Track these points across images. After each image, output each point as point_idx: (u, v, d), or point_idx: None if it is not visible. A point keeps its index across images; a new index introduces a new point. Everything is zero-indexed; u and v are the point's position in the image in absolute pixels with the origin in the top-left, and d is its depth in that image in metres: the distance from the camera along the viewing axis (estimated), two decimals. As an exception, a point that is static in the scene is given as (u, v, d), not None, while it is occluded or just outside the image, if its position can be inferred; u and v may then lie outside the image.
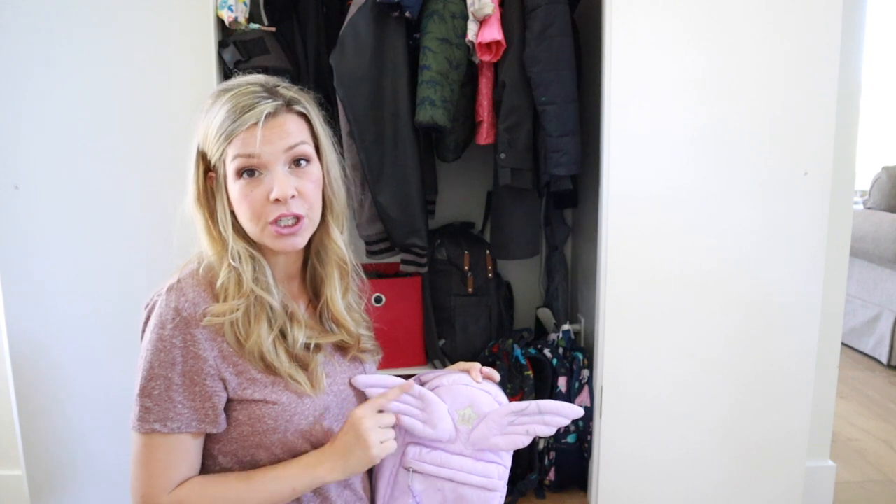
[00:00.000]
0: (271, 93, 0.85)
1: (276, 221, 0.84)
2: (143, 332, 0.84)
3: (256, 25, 1.56)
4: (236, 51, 1.51)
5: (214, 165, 0.85)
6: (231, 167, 0.83)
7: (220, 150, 0.83)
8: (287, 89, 0.87)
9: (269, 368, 0.84)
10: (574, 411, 0.90)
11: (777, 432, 1.64)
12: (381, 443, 0.85)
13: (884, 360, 3.04)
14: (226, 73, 1.55)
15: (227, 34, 1.55)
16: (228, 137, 0.82)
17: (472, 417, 0.91)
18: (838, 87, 1.54)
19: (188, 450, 0.83)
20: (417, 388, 0.91)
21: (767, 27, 1.52)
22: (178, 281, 0.83)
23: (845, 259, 1.80)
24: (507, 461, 0.95)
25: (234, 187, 0.84)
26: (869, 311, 3.16)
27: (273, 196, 0.82)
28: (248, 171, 0.83)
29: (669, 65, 1.53)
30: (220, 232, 0.86)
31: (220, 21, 1.51)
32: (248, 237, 0.87)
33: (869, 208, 3.36)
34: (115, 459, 1.58)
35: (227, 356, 0.83)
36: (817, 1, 1.51)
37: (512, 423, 0.90)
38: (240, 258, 0.85)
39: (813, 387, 1.63)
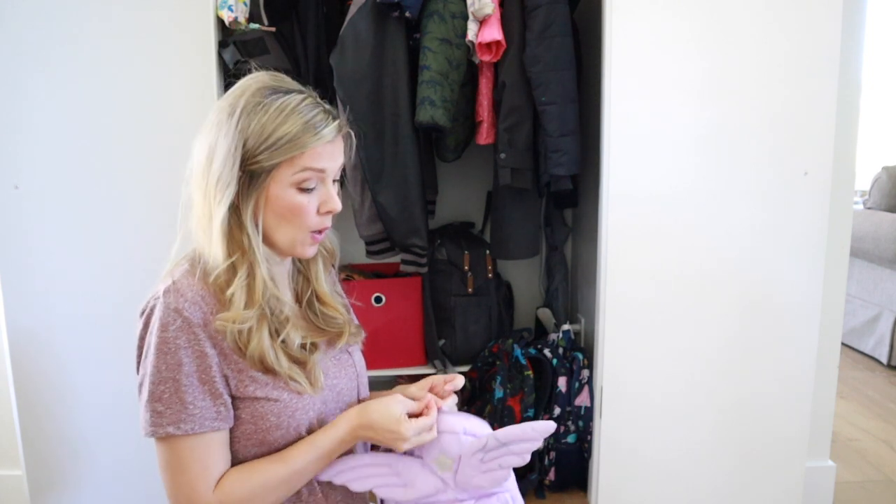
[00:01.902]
0: (326, 111, 0.87)
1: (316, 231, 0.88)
2: (142, 337, 0.83)
3: (256, 25, 1.56)
4: (236, 51, 1.51)
5: (253, 169, 0.82)
6: (292, 178, 0.83)
7: (280, 158, 0.82)
8: (331, 108, 0.89)
9: (269, 370, 0.84)
10: (538, 430, 0.84)
11: (777, 432, 1.64)
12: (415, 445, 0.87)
13: (884, 360, 3.04)
14: (226, 72, 1.55)
15: (227, 34, 1.55)
16: (301, 148, 0.82)
17: (448, 463, 0.88)
18: (838, 87, 1.54)
19: (215, 447, 0.82)
20: (383, 456, 0.89)
21: (767, 27, 1.52)
22: (174, 282, 0.82)
23: (845, 259, 1.80)
24: (511, 483, 0.92)
25: (286, 195, 0.84)
26: (869, 311, 3.16)
27: (328, 209, 0.87)
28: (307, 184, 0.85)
29: (669, 65, 1.53)
30: (243, 236, 0.84)
31: (220, 21, 1.51)
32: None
33: (869, 208, 3.36)
34: (115, 459, 1.58)
35: (227, 355, 0.83)
36: (817, 1, 1.51)
37: (482, 460, 0.86)
38: (265, 264, 0.85)
39: (813, 387, 1.63)
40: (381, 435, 0.85)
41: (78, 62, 1.48)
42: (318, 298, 0.97)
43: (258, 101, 0.83)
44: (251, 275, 0.84)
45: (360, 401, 1.00)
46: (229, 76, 1.57)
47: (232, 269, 0.83)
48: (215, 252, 0.83)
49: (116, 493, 1.59)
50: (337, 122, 0.86)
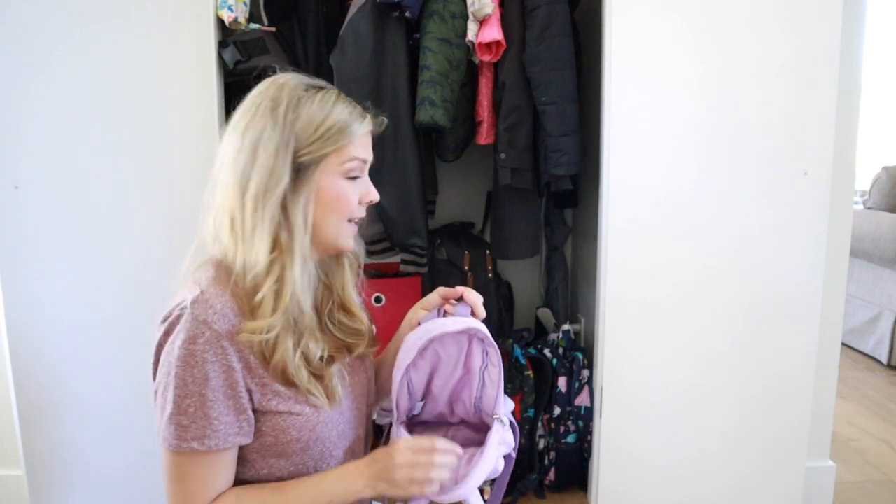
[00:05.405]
0: (358, 104, 0.90)
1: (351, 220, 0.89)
2: (161, 345, 0.80)
3: (256, 25, 1.56)
4: (236, 51, 1.51)
5: (303, 161, 0.82)
6: (340, 167, 0.85)
7: (331, 147, 0.83)
8: None
9: (289, 383, 0.83)
10: None
11: (777, 432, 1.64)
12: (416, 482, 0.80)
13: (884, 360, 3.04)
14: (226, 72, 1.55)
15: (227, 34, 1.55)
16: (350, 136, 0.85)
17: None
18: (838, 87, 1.54)
19: (225, 464, 0.81)
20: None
21: (767, 27, 1.52)
22: (202, 292, 0.79)
23: (845, 259, 1.79)
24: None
25: (336, 184, 0.85)
26: (869, 311, 3.16)
27: (370, 199, 0.90)
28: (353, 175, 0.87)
29: (669, 65, 1.53)
30: (282, 232, 0.82)
31: (220, 21, 1.51)
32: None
33: (869, 208, 3.36)
34: (115, 459, 1.58)
35: (252, 368, 0.81)
36: (817, 1, 1.51)
37: None
38: (300, 263, 0.83)
39: (813, 387, 1.63)
40: (381, 477, 0.81)
41: (78, 62, 1.48)
42: (343, 307, 0.95)
43: (300, 94, 0.84)
44: (281, 278, 0.82)
45: (369, 407, 1.00)
46: (229, 76, 1.57)
47: (264, 272, 0.81)
48: (258, 252, 0.80)
49: (116, 493, 1.59)
50: (370, 113, 0.90)
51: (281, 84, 0.85)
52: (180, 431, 0.77)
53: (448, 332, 0.88)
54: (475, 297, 0.94)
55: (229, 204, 0.82)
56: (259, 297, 0.80)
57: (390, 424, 0.95)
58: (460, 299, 0.95)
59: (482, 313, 0.94)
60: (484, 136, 1.73)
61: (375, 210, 1.70)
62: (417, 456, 0.80)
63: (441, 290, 0.97)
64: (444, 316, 0.95)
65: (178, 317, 0.79)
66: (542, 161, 1.70)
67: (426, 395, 0.95)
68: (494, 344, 0.92)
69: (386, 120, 0.93)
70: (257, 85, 0.88)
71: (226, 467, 0.82)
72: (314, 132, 0.83)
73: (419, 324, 0.96)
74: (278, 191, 0.81)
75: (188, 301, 0.78)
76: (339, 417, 0.88)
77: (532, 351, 1.91)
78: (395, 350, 1.02)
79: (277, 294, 0.81)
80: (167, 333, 0.79)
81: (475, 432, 0.99)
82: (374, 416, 1.00)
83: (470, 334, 0.91)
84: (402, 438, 0.85)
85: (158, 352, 0.81)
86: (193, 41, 1.49)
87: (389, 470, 0.80)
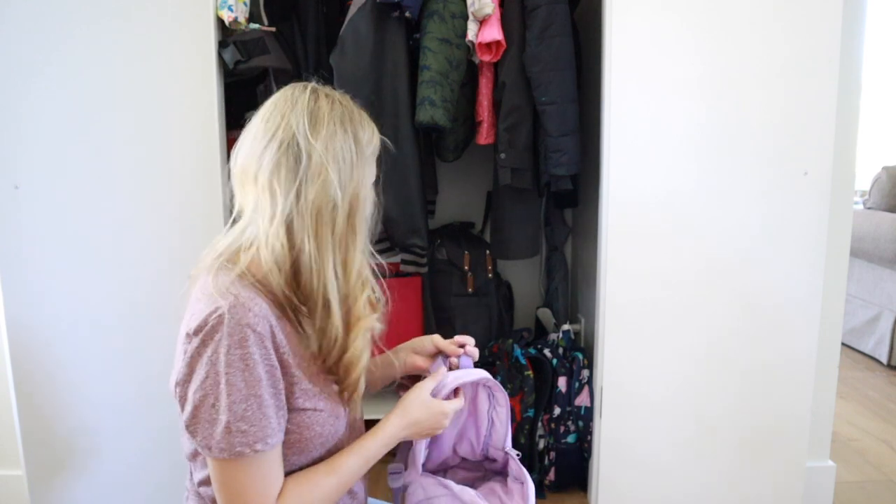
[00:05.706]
0: None
1: None
2: (196, 356, 0.77)
3: (256, 25, 1.56)
4: (236, 51, 1.51)
5: None
6: (374, 176, 0.94)
7: (374, 160, 0.92)
8: None
9: (347, 380, 0.88)
10: None
11: (777, 432, 1.64)
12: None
13: (884, 360, 3.04)
14: (226, 72, 1.55)
15: (227, 34, 1.55)
16: (378, 151, 0.93)
17: None
18: (838, 87, 1.54)
19: (279, 456, 0.82)
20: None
21: (767, 27, 1.52)
22: (236, 297, 0.78)
23: (845, 259, 1.79)
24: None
25: (371, 194, 0.94)
26: (869, 311, 3.16)
27: None
28: None
29: (669, 65, 1.53)
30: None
31: (220, 21, 1.51)
32: None
33: (869, 208, 3.36)
34: (115, 459, 1.58)
35: (286, 367, 0.82)
36: (817, 1, 1.51)
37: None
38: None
39: (813, 387, 1.63)
40: (427, 425, 0.94)
41: (78, 62, 1.48)
42: None
43: (358, 108, 0.90)
44: (367, 279, 0.91)
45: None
46: (229, 76, 1.57)
47: (359, 274, 0.89)
48: (358, 255, 0.89)
49: (117, 493, 1.59)
50: None
51: (338, 98, 0.89)
52: (241, 437, 0.76)
53: (464, 382, 0.97)
54: (474, 349, 1.03)
55: (314, 212, 0.83)
56: (364, 297, 0.89)
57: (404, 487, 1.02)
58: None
59: (477, 357, 1.04)
60: (484, 136, 1.74)
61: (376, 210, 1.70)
62: (455, 413, 0.97)
63: (438, 341, 1.05)
64: (450, 367, 1.02)
65: (217, 324, 0.77)
66: (542, 161, 1.70)
67: (431, 440, 1.03)
68: (502, 388, 1.02)
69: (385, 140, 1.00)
70: (286, 90, 0.88)
71: (279, 463, 0.83)
72: (370, 146, 0.90)
73: (424, 375, 1.03)
74: (371, 198, 0.90)
75: (224, 308, 0.77)
76: (348, 412, 0.92)
77: (532, 351, 1.91)
78: (387, 367, 1.08)
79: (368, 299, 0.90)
80: (204, 344, 0.77)
81: (471, 472, 1.07)
82: (388, 480, 1.06)
83: (477, 382, 1.00)
84: (443, 403, 0.95)
85: (192, 364, 0.78)
86: (193, 41, 1.49)
87: (438, 428, 0.95)
